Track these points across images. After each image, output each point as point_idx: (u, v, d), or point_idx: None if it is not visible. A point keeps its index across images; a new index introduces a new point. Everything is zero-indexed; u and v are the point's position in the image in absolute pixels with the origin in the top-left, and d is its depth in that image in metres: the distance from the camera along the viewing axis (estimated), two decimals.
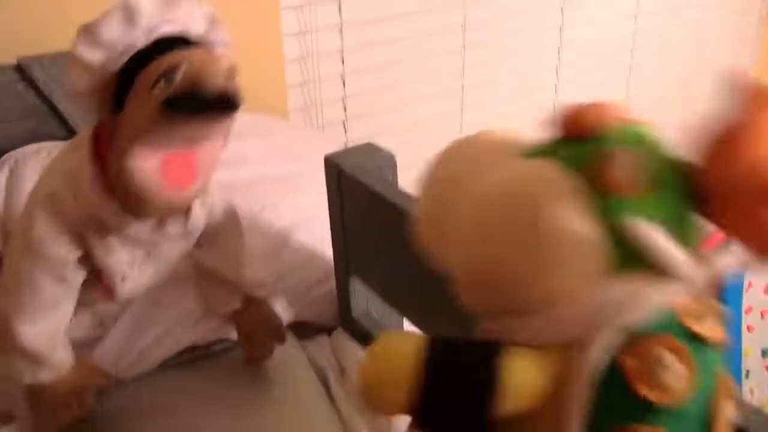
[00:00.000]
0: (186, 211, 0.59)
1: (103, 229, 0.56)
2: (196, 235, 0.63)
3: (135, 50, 0.52)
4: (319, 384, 0.70)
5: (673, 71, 1.96)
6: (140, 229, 0.57)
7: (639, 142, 0.34)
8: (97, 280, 0.60)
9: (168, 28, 0.53)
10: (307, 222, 0.83)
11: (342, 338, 0.77)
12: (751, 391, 1.78)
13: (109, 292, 0.62)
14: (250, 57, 1.14)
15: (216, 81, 0.50)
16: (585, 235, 0.31)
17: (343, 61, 1.27)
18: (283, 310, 0.76)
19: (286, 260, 0.80)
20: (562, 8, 1.58)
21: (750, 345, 1.77)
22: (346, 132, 1.33)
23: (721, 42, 2.07)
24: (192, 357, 0.72)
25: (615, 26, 1.73)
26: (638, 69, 1.85)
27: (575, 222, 0.32)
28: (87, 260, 0.58)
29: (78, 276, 0.59)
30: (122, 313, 0.71)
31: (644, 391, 0.29)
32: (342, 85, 1.29)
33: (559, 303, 0.32)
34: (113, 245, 0.57)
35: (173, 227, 0.60)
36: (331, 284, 0.77)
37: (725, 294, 1.71)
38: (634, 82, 1.86)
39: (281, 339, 0.71)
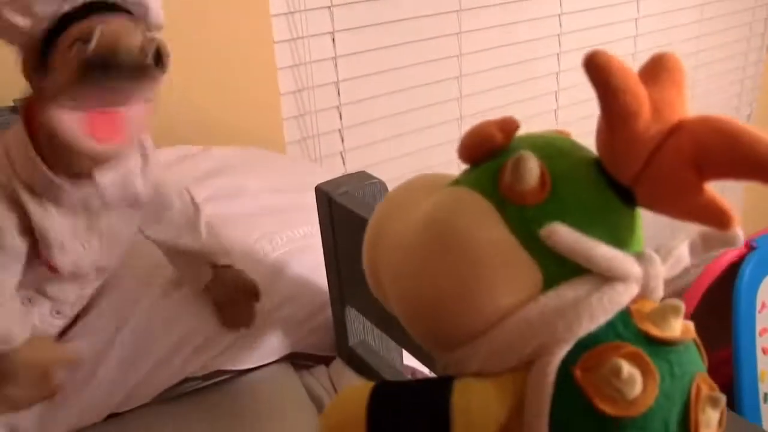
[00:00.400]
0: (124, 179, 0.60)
1: (37, 194, 0.57)
2: (138, 207, 0.64)
3: (61, 14, 0.53)
4: (316, 414, 0.69)
5: None
6: (74, 192, 0.58)
7: (538, 148, 0.32)
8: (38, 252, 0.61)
9: None
10: (303, 252, 0.82)
11: (340, 368, 0.76)
12: None
13: (51, 266, 0.62)
14: (246, 90, 1.15)
15: (130, 48, 0.52)
16: (500, 245, 0.30)
17: (339, 93, 1.27)
18: (280, 341, 0.75)
19: (283, 291, 0.79)
20: (558, 35, 1.59)
21: (766, 368, 1.74)
22: (344, 163, 1.33)
23: (723, 68, 2.09)
24: (187, 387, 0.71)
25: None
26: None
27: (486, 234, 0.31)
28: (27, 229, 0.59)
29: (18, 244, 0.59)
30: (83, 306, 0.70)
31: (602, 406, 0.28)
32: (339, 116, 1.29)
33: (498, 322, 0.31)
34: (50, 211, 0.58)
35: (110, 191, 0.60)
36: (328, 314, 0.77)
37: (738, 316, 1.69)
38: None
39: (256, 297, 0.72)
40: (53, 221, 0.59)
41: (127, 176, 0.61)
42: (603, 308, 0.29)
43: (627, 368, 0.27)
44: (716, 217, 0.29)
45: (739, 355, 1.69)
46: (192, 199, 0.72)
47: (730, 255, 1.76)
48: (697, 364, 0.31)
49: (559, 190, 0.31)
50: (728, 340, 1.72)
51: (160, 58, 0.55)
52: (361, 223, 0.62)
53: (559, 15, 1.58)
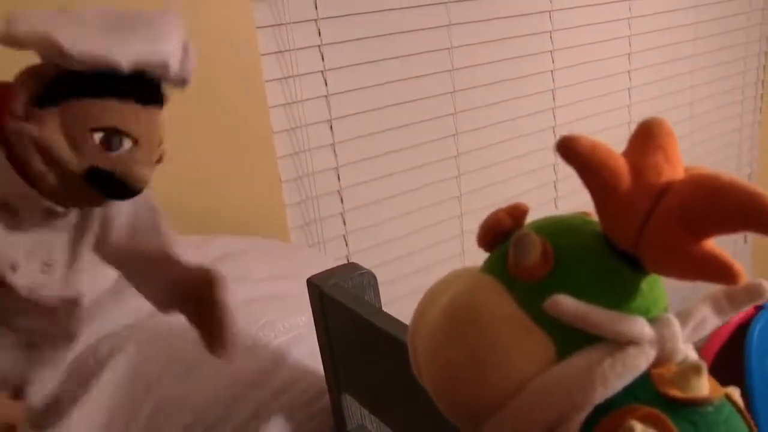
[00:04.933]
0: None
1: None
2: (90, 233, 0.63)
3: (105, 63, 0.52)
4: None
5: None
6: (27, 215, 0.56)
7: (544, 227, 0.34)
8: None
9: (150, 59, 0.55)
10: (304, 339, 0.85)
11: None
12: None
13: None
14: (248, 179, 1.19)
15: (140, 179, 0.55)
16: (510, 321, 0.32)
17: (339, 178, 1.32)
18: (281, 428, 0.77)
19: (284, 377, 0.81)
20: (552, 90, 1.64)
21: None
22: (347, 245, 1.37)
23: (718, 131, 2.12)
24: None
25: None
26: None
27: (498, 311, 0.32)
28: None
29: None
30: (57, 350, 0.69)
31: None
32: (340, 200, 1.33)
33: (515, 394, 0.31)
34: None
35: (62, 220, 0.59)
36: (327, 399, 0.79)
37: (751, 378, 1.67)
38: None
39: (224, 289, 0.68)
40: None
41: None
42: (616, 373, 0.30)
43: (640, 429, 0.27)
44: (720, 273, 0.28)
45: (754, 414, 1.66)
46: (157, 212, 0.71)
47: (740, 316, 1.77)
48: (732, 425, 0.30)
49: (563, 263, 0.32)
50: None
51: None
52: (350, 314, 0.65)
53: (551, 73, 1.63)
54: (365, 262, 1.38)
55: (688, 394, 0.29)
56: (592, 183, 0.31)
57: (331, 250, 1.34)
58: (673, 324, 0.31)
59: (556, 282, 0.32)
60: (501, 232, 0.36)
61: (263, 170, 1.22)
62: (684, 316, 0.32)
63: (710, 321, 0.32)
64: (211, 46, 1.11)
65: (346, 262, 1.07)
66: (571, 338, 0.31)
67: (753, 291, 0.30)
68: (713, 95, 2.05)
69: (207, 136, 1.14)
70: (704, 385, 0.30)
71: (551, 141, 1.67)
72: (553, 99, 1.65)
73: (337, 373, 0.73)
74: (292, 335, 0.86)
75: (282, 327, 0.87)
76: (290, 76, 1.21)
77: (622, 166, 0.31)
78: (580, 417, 0.30)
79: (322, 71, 1.25)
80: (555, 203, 1.74)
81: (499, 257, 0.35)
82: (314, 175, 1.28)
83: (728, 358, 1.74)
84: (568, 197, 1.74)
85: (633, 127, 0.33)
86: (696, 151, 2.06)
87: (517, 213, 0.35)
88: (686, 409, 0.29)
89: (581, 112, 1.72)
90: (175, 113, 1.08)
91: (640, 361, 0.30)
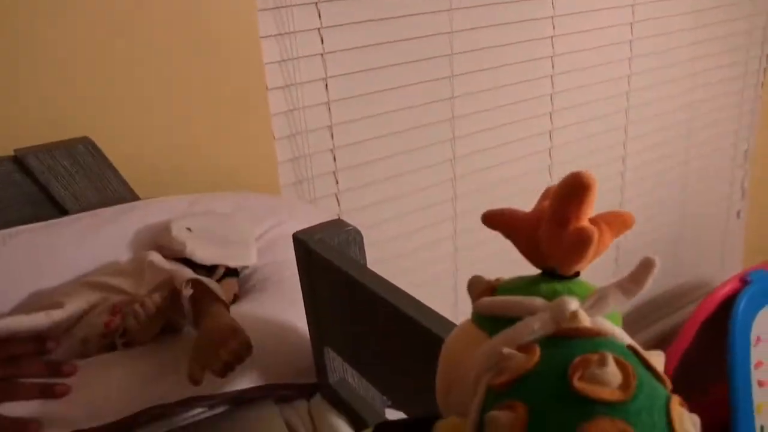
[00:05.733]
0: None
1: None
2: None
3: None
4: None
5: (667, 138, 2.00)
6: None
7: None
8: None
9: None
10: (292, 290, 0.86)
11: (320, 404, 0.79)
12: None
13: None
14: (240, 136, 1.19)
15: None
16: (466, 333, 0.40)
17: (332, 136, 1.32)
18: (262, 371, 0.78)
19: (269, 329, 0.83)
20: (551, 76, 1.64)
21: (763, 400, 1.75)
22: (339, 204, 1.38)
23: (718, 105, 2.12)
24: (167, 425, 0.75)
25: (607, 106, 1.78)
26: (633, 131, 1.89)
27: (462, 342, 0.40)
28: None
29: None
30: None
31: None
32: (333, 159, 1.34)
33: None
34: None
35: None
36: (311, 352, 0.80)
37: (733, 350, 1.70)
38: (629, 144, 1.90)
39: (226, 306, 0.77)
40: None
41: None
42: (515, 334, 0.36)
43: (507, 350, 0.33)
44: (581, 240, 0.37)
45: (735, 388, 1.70)
46: None
47: (724, 290, 1.78)
48: (603, 349, 0.32)
49: (502, 288, 0.40)
50: (724, 375, 1.74)
51: None
52: (334, 268, 0.66)
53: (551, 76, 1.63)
54: (357, 222, 1.39)
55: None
56: (503, 231, 0.42)
57: (322, 208, 1.35)
58: (567, 299, 0.36)
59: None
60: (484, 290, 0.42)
61: (256, 127, 1.22)
62: (591, 295, 0.37)
63: (612, 297, 0.37)
64: (206, 3, 1.10)
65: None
66: (502, 328, 0.37)
67: (645, 264, 0.37)
68: (715, 69, 2.04)
69: (200, 91, 1.14)
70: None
71: (548, 111, 1.67)
72: (552, 84, 1.66)
73: (320, 328, 0.74)
74: (285, 286, 0.89)
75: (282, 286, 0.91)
76: (286, 33, 1.20)
77: (519, 214, 0.41)
78: (488, 375, 0.34)
79: (318, 28, 1.24)
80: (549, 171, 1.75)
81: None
82: (308, 133, 1.28)
83: (713, 331, 1.77)
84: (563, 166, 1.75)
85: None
86: (694, 126, 2.06)
87: (495, 284, 0.42)
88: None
89: (578, 96, 1.73)
90: (169, 70, 1.09)
91: (534, 323, 0.35)
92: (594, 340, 0.32)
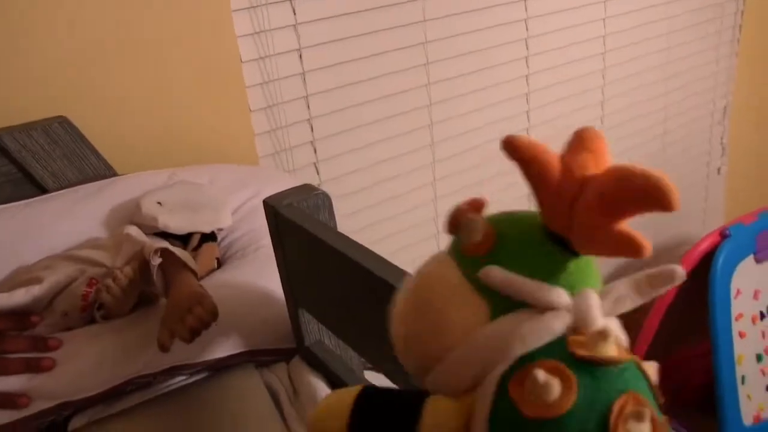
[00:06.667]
0: None
1: None
2: None
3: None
4: (272, 404, 0.75)
5: (645, 96, 2.01)
6: None
7: (494, 216, 0.39)
8: None
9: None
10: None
11: (299, 366, 0.81)
12: (749, 397, 1.78)
13: None
14: (216, 109, 1.20)
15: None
16: (454, 288, 0.37)
17: (308, 107, 1.33)
18: (241, 337, 0.80)
19: (248, 294, 0.85)
20: (526, 39, 1.64)
21: (743, 351, 1.79)
22: (318, 173, 1.39)
23: (695, 63, 2.12)
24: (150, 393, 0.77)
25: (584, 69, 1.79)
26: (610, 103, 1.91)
27: (444, 279, 0.38)
28: None
29: None
30: None
31: (524, 409, 0.32)
32: (310, 129, 1.35)
33: (453, 348, 0.37)
34: None
35: None
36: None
37: (714, 303, 1.73)
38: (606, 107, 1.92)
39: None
40: None
41: None
42: (533, 333, 0.34)
43: (543, 376, 0.31)
44: (632, 249, 0.33)
45: (716, 339, 1.74)
46: None
47: (704, 245, 1.81)
48: (631, 384, 0.33)
49: (502, 243, 0.37)
50: (707, 329, 1.77)
51: None
52: (303, 232, 0.68)
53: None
54: (337, 190, 1.41)
55: (595, 355, 0.33)
56: (528, 173, 0.36)
57: (302, 178, 1.36)
58: (590, 297, 0.35)
59: (494, 258, 0.37)
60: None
61: (232, 100, 1.22)
62: (604, 293, 0.36)
63: (630, 299, 0.36)
64: None
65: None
66: (503, 304, 0.36)
67: (667, 275, 0.35)
68: (690, 27, 2.04)
69: (174, 66, 1.14)
70: (611, 350, 0.34)
71: (524, 78, 1.68)
72: (527, 47, 1.66)
73: (294, 290, 0.76)
74: (261, 253, 0.90)
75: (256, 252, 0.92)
76: (258, 5, 1.20)
77: (554, 160, 0.35)
78: (501, 369, 0.34)
79: (290, 0, 1.24)
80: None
81: (455, 239, 0.40)
82: (284, 104, 1.29)
83: (696, 286, 1.79)
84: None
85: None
86: (671, 84, 2.07)
87: (476, 205, 0.40)
88: (591, 366, 0.33)
89: (554, 58, 1.74)
90: (142, 46, 1.09)
91: (555, 324, 0.34)
92: (621, 371, 0.33)
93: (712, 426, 1.77)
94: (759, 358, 1.83)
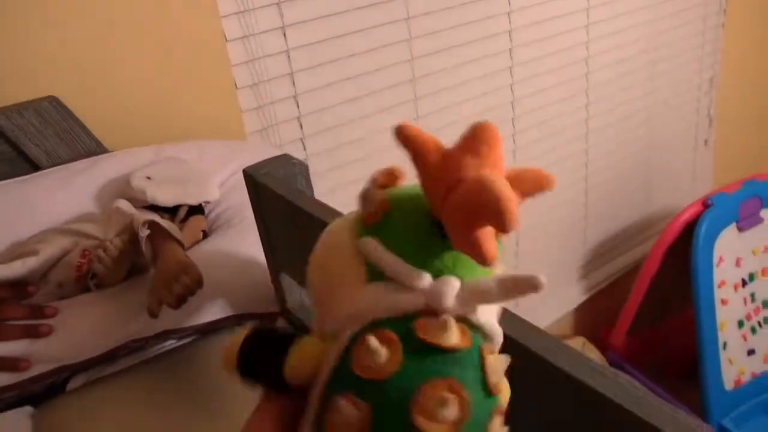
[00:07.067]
0: None
1: None
2: None
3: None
4: None
5: (631, 68, 2.04)
6: None
7: (397, 190, 0.42)
8: None
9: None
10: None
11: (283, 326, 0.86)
12: (730, 362, 1.83)
13: None
14: (202, 88, 1.24)
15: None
16: (344, 249, 0.40)
17: (294, 83, 1.36)
18: (226, 302, 0.85)
19: (237, 265, 0.89)
20: (509, 13, 1.67)
21: (725, 318, 1.83)
22: (305, 148, 1.43)
23: (681, 35, 2.14)
24: (142, 355, 0.81)
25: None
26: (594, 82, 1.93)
27: (338, 240, 0.41)
28: None
29: None
30: None
31: (357, 370, 0.35)
32: (296, 105, 1.38)
33: (332, 296, 0.40)
34: None
35: None
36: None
37: (696, 270, 1.77)
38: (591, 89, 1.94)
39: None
40: None
41: None
42: (387, 305, 0.37)
43: (374, 343, 0.34)
44: (478, 256, 0.36)
45: (699, 307, 1.78)
46: None
47: (687, 214, 1.85)
48: (455, 372, 0.36)
49: (390, 218, 0.40)
50: (691, 297, 1.82)
51: None
52: (280, 199, 0.72)
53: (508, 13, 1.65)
54: (324, 165, 1.45)
55: (430, 339, 0.36)
56: (414, 161, 0.39)
57: (289, 152, 1.39)
58: (447, 284, 0.37)
59: (378, 230, 0.39)
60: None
61: (218, 78, 1.26)
62: (470, 284, 0.38)
63: (492, 295, 0.37)
64: None
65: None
66: (377, 272, 0.38)
67: (530, 282, 0.36)
68: None
69: (162, 46, 1.18)
70: (451, 337, 0.36)
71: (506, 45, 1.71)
72: (509, 21, 1.68)
73: (275, 255, 0.80)
74: (245, 223, 0.95)
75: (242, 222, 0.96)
76: None
77: (436, 154, 0.38)
78: (355, 328, 0.37)
79: None
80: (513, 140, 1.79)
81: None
82: (269, 81, 1.33)
83: (682, 255, 1.84)
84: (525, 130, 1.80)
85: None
86: (657, 56, 2.09)
87: (390, 175, 0.43)
88: (424, 348, 0.35)
89: (538, 31, 1.76)
90: (129, 24, 1.12)
91: (407, 303, 0.37)
92: (452, 358, 0.36)
93: (696, 391, 1.83)
94: (740, 324, 1.88)
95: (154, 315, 0.76)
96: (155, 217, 0.85)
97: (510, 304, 0.40)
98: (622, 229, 2.28)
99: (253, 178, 0.75)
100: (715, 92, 2.36)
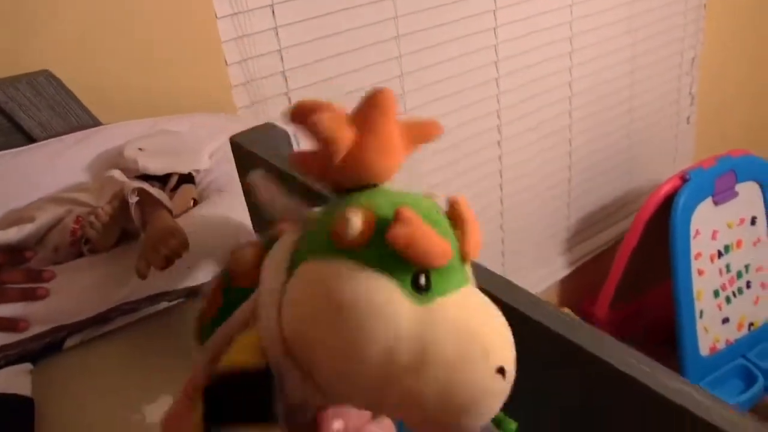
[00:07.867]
0: None
1: None
2: None
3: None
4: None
5: (614, 47, 2.07)
6: None
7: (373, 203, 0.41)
8: None
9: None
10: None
11: None
12: (706, 330, 1.89)
13: None
14: (192, 63, 1.27)
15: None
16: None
17: (282, 59, 1.40)
18: (219, 267, 0.89)
19: (225, 230, 0.93)
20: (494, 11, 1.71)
21: (702, 288, 1.89)
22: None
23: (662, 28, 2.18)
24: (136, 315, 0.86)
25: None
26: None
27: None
28: None
29: None
30: None
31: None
32: (285, 81, 1.42)
33: None
34: None
35: None
36: None
37: (674, 242, 1.83)
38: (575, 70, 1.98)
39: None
40: None
41: None
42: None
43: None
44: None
45: (676, 276, 1.84)
46: None
47: (665, 189, 1.90)
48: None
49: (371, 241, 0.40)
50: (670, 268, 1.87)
51: None
52: (264, 164, 0.76)
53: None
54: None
55: None
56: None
57: None
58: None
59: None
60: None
61: (208, 54, 1.29)
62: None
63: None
64: None
65: None
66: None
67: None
68: None
69: (153, 22, 1.21)
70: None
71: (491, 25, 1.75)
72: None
73: (260, 219, 0.84)
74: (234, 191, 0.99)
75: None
76: None
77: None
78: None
79: None
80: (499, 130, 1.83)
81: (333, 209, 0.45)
82: (259, 57, 1.36)
83: (661, 229, 1.89)
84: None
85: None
86: (638, 35, 2.13)
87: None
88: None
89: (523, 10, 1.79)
90: (117, 0, 1.16)
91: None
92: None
93: (674, 358, 1.89)
94: (716, 293, 1.94)
95: (142, 276, 0.80)
96: (145, 185, 0.89)
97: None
98: (606, 204, 2.33)
99: (238, 144, 0.79)
100: (697, 71, 2.40)
